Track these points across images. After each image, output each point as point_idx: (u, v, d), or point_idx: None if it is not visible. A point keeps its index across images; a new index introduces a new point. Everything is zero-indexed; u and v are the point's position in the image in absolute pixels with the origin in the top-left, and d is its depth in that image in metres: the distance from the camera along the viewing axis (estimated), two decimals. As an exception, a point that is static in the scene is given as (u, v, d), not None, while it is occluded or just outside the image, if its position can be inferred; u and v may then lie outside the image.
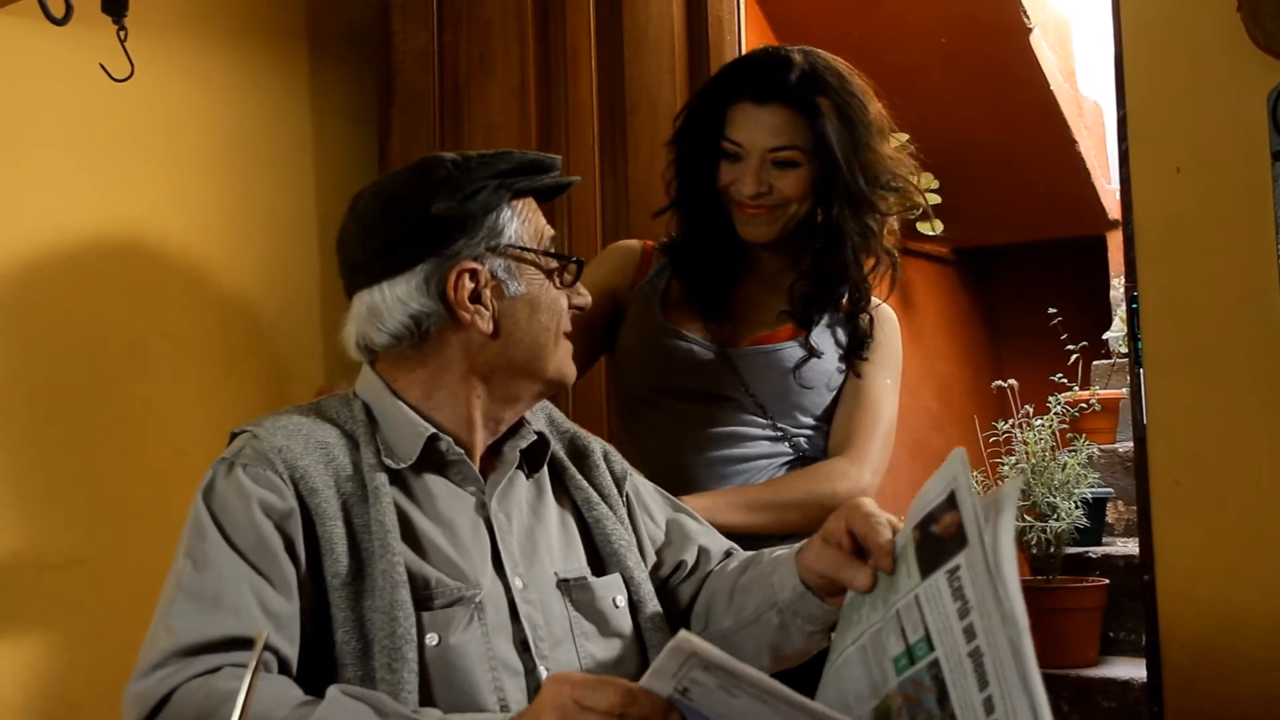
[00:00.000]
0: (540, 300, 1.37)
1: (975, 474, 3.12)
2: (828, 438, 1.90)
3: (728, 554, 1.52)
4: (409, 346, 1.34)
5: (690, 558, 1.50)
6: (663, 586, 1.46)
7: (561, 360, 1.40)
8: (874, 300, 1.94)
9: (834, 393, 1.90)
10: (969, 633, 0.92)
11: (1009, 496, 0.93)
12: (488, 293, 1.33)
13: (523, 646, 1.28)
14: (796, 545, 1.30)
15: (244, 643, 1.16)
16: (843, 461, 1.83)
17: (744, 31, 2.46)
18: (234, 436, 1.33)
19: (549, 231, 1.41)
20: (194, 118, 2.36)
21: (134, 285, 2.23)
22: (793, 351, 1.87)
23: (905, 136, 2.79)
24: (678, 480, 1.78)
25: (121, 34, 2.00)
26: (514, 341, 1.35)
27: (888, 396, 1.90)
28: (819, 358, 1.87)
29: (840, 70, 1.86)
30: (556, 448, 1.47)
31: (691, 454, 1.85)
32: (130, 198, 2.24)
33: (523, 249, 1.36)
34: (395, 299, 1.32)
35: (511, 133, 2.47)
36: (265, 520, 1.22)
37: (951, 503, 0.98)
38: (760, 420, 1.87)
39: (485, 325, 1.33)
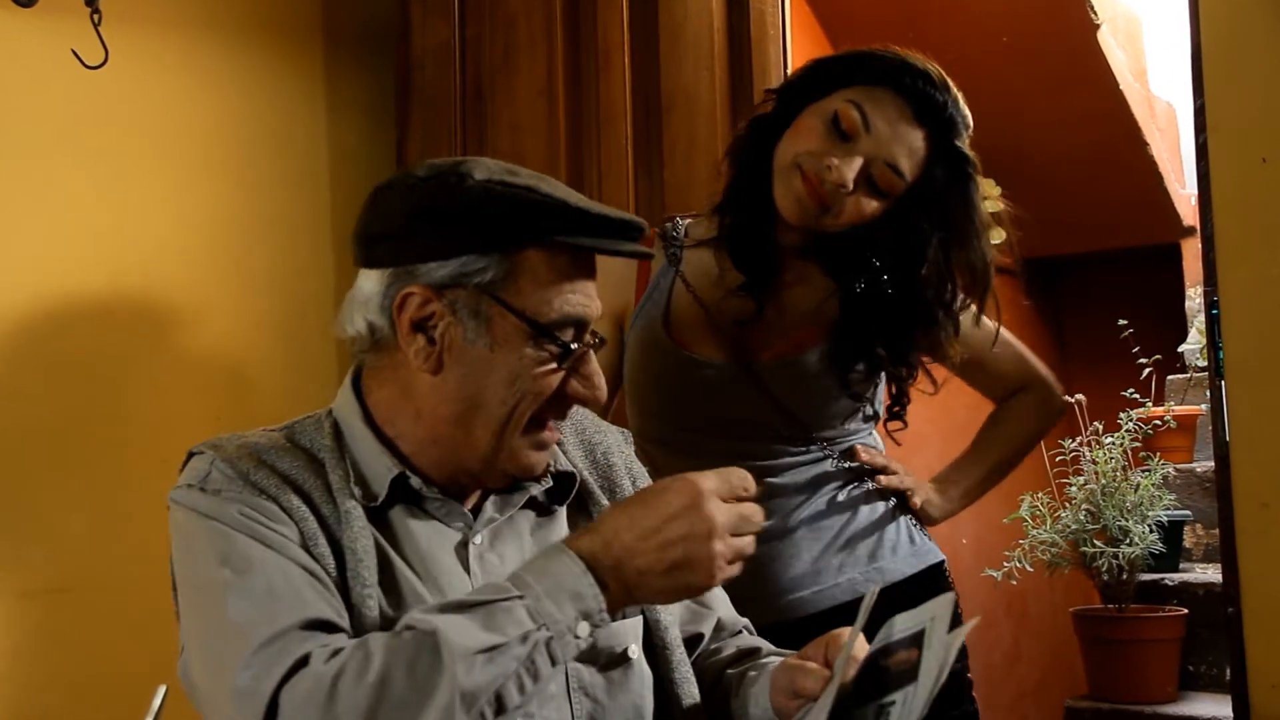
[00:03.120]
0: (503, 365, 1.14)
1: (1042, 495, 2.99)
2: (880, 439, 1.80)
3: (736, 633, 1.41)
4: (370, 353, 1.21)
5: (707, 631, 1.36)
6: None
7: (516, 450, 1.17)
8: None
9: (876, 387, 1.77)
10: None
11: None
12: (442, 326, 1.14)
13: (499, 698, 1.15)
14: (774, 664, 1.24)
15: (319, 624, 1.05)
16: (1028, 396, 1.95)
17: (789, 27, 2.35)
18: (190, 457, 1.20)
19: (576, 306, 1.16)
20: (192, 115, 2.28)
21: (127, 295, 2.14)
22: (817, 355, 1.70)
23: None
24: None
25: (95, 18, 1.92)
26: (457, 396, 1.15)
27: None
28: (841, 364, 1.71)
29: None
30: (588, 477, 1.31)
31: None
32: (120, 198, 2.15)
33: (503, 302, 1.13)
34: (362, 295, 1.19)
35: (539, 134, 2.38)
36: (267, 522, 1.12)
37: (917, 641, 1.01)
38: (799, 443, 1.71)
39: (423, 362, 1.15)
